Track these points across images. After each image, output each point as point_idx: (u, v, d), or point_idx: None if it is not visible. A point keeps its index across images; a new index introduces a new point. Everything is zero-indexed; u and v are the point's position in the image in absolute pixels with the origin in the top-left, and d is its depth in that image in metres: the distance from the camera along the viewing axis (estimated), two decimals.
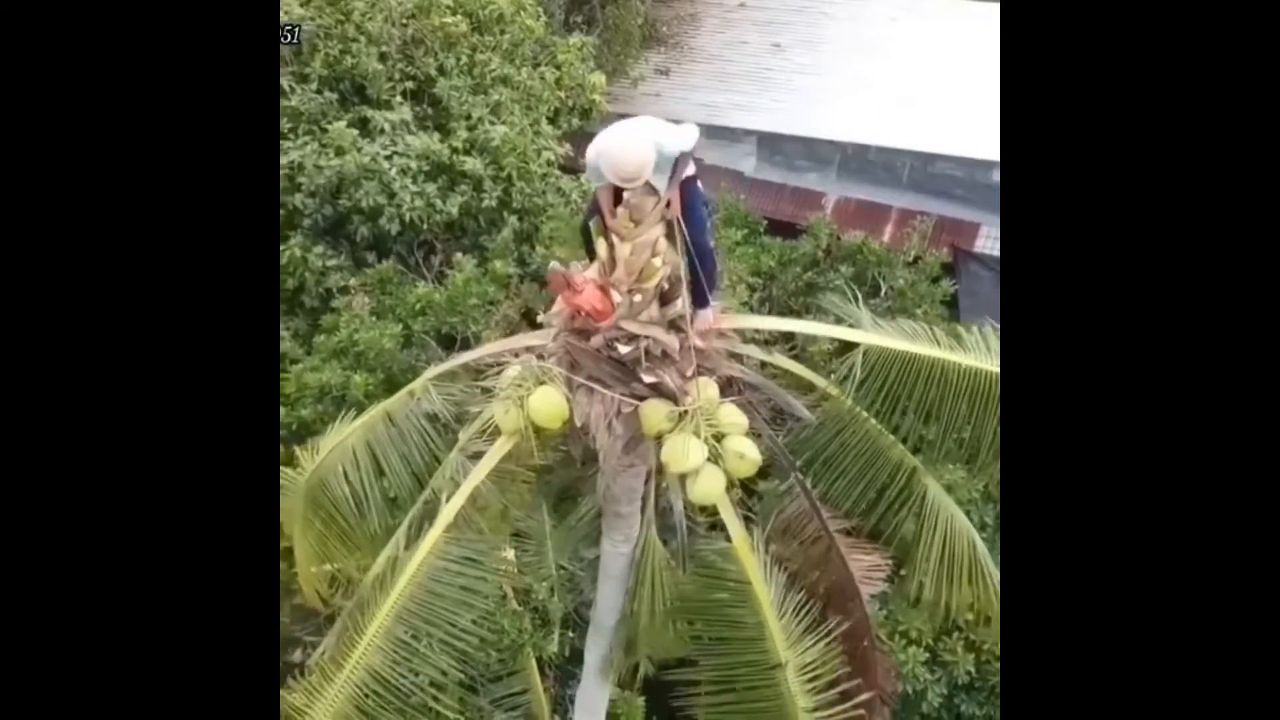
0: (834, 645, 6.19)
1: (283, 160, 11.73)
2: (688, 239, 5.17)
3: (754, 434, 5.70)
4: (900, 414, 5.85)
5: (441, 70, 12.85)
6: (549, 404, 5.41)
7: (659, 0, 16.83)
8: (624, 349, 5.29)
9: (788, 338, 11.40)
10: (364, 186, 11.67)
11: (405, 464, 6.24)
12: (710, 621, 6.32)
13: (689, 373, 5.45)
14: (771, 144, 15.51)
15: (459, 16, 12.94)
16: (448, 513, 5.63)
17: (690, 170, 5.27)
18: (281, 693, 5.32)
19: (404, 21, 12.75)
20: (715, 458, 5.37)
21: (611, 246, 5.19)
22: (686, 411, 5.35)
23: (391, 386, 9.64)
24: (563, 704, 9.72)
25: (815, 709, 5.99)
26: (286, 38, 11.82)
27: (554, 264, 5.19)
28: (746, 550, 5.95)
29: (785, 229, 13.70)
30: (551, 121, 13.33)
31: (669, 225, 5.16)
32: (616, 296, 5.21)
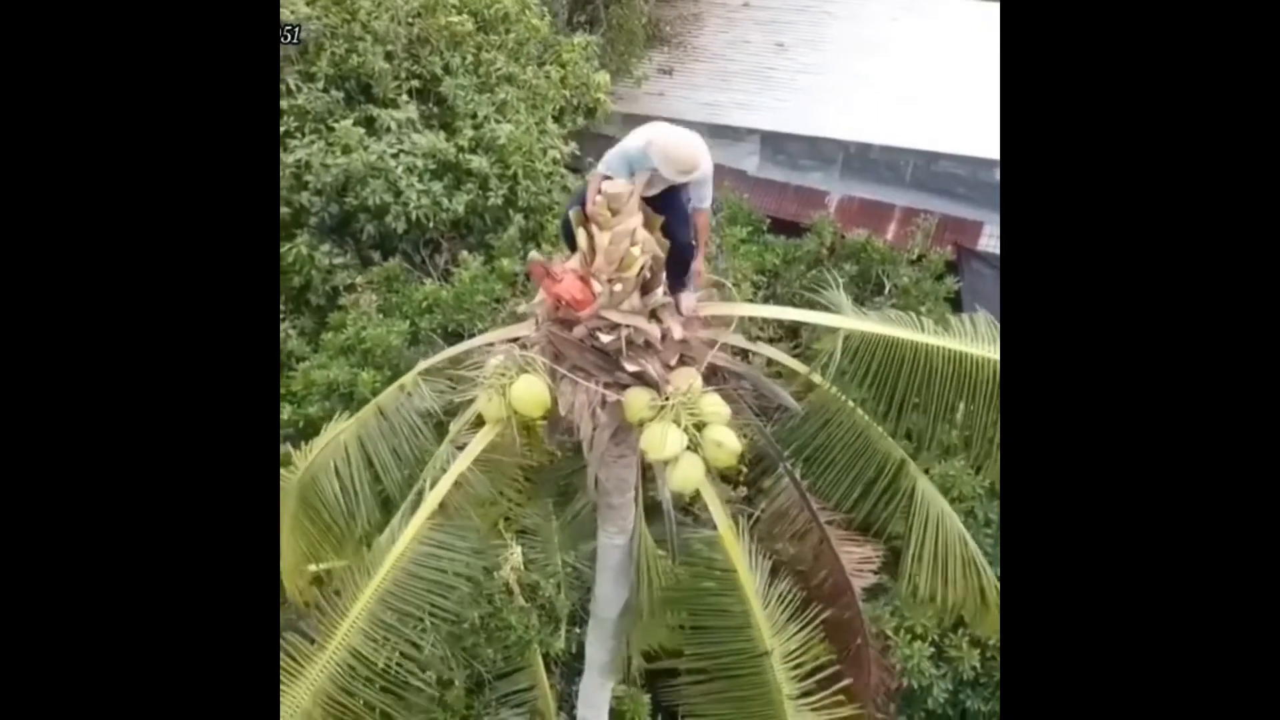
0: (824, 637, 6.21)
1: (289, 159, 11.81)
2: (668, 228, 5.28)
3: (740, 423, 5.74)
4: (887, 402, 5.86)
5: (447, 69, 12.91)
6: (531, 392, 5.45)
7: (662, 0, 16.87)
8: (606, 338, 5.33)
9: (793, 336, 11.45)
10: (370, 185, 11.73)
11: (396, 458, 6.31)
12: (698, 610, 6.35)
13: (672, 362, 5.49)
14: (775, 143, 15.50)
15: (464, 15, 13.00)
16: (432, 499, 5.69)
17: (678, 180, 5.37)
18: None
19: (410, 20, 12.80)
20: (694, 446, 5.40)
21: (591, 236, 5.24)
22: (668, 400, 5.40)
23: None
24: (569, 700, 9.72)
25: (800, 696, 6.02)
26: (287, 37, 11.89)
27: (534, 254, 5.26)
28: (732, 538, 5.98)
29: (789, 228, 13.70)
30: (557, 120, 13.37)
31: (647, 215, 5.22)
32: (597, 286, 5.25)
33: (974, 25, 14.66)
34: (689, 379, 5.46)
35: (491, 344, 5.89)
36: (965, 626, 10.16)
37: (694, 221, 5.57)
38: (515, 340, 5.71)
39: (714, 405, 5.48)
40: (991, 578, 6.54)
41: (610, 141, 5.65)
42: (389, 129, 12.15)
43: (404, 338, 10.81)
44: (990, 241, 14.12)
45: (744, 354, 6.08)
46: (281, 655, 5.61)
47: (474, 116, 12.63)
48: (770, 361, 6.25)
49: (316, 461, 6.55)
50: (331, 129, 12.10)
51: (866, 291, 12.37)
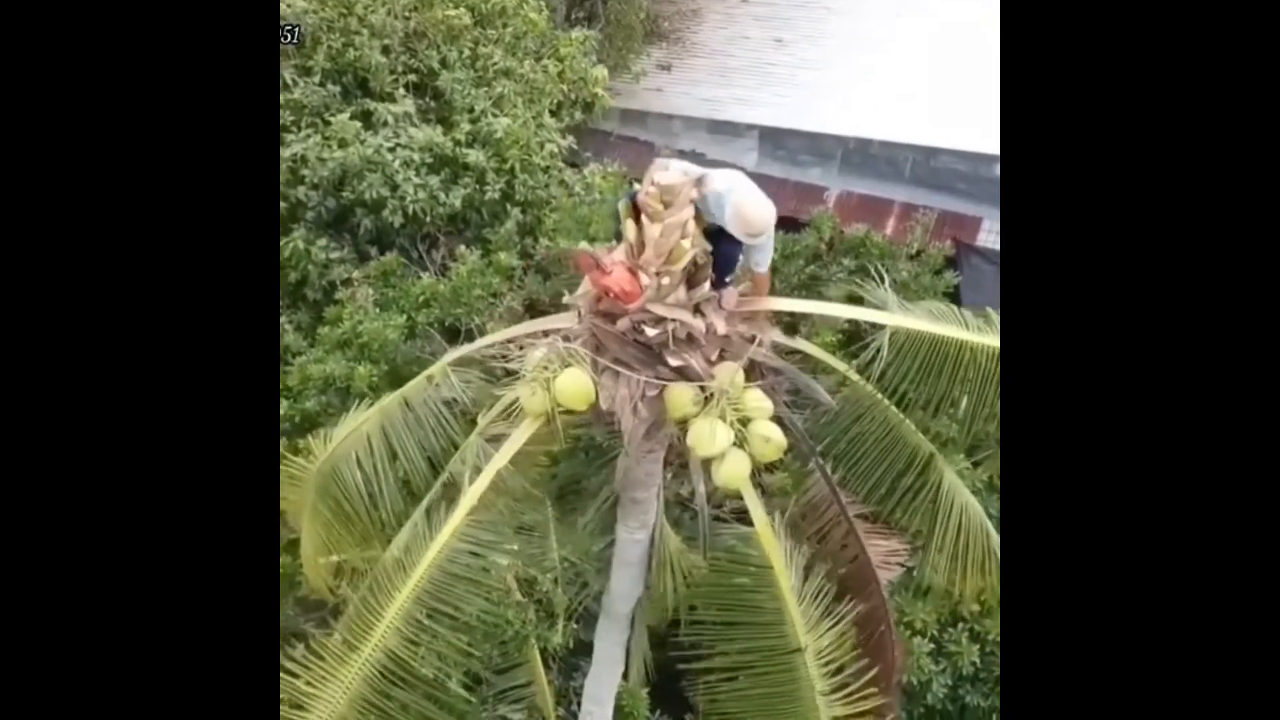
0: (851, 629, 6.20)
1: (286, 153, 11.70)
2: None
3: (776, 418, 5.70)
4: (927, 398, 5.83)
5: (444, 63, 12.82)
6: (576, 385, 5.40)
7: None
8: (651, 332, 5.29)
9: (790, 332, 11.44)
10: (367, 179, 11.62)
11: (421, 450, 6.24)
12: (729, 606, 6.32)
13: (714, 356, 5.44)
14: (774, 139, 15.44)
15: (461, 9, 12.90)
16: (471, 495, 5.61)
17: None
18: (283, 679, 5.29)
19: (406, 14, 12.72)
20: (740, 442, 5.35)
21: (641, 228, 5.17)
22: (712, 395, 5.34)
23: (395, 378, 9.64)
24: (567, 696, 9.68)
25: (831, 692, 6.01)
26: (287, 37, 11.80)
27: (584, 245, 5.19)
28: (770, 535, 5.96)
29: (788, 223, 13.63)
30: (554, 114, 13.30)
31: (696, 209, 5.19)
32: (644, 279, 5.20)
33: (973, 20, 14.64)
34: (732, 374, 5.41)
35: (530, 335, 5.81)
36: (965, 621, 10.21)
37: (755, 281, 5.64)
38: (557, 332, 5.63)
39: (757, 400, 5.45)
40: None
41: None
42: (386, 123, 12.04)
43: (401, 332, 10.73)
44: (989, 237, 14.14)
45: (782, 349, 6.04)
46: (303, 655, 5.55)
47: (471, 110, 12.53)
48: (805, 357, 6.21)
49: (338, 451, 6.47)
50: (328, 123, 11.99)
51: (864, 287, 12.33)
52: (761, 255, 5.57)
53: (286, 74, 12.08)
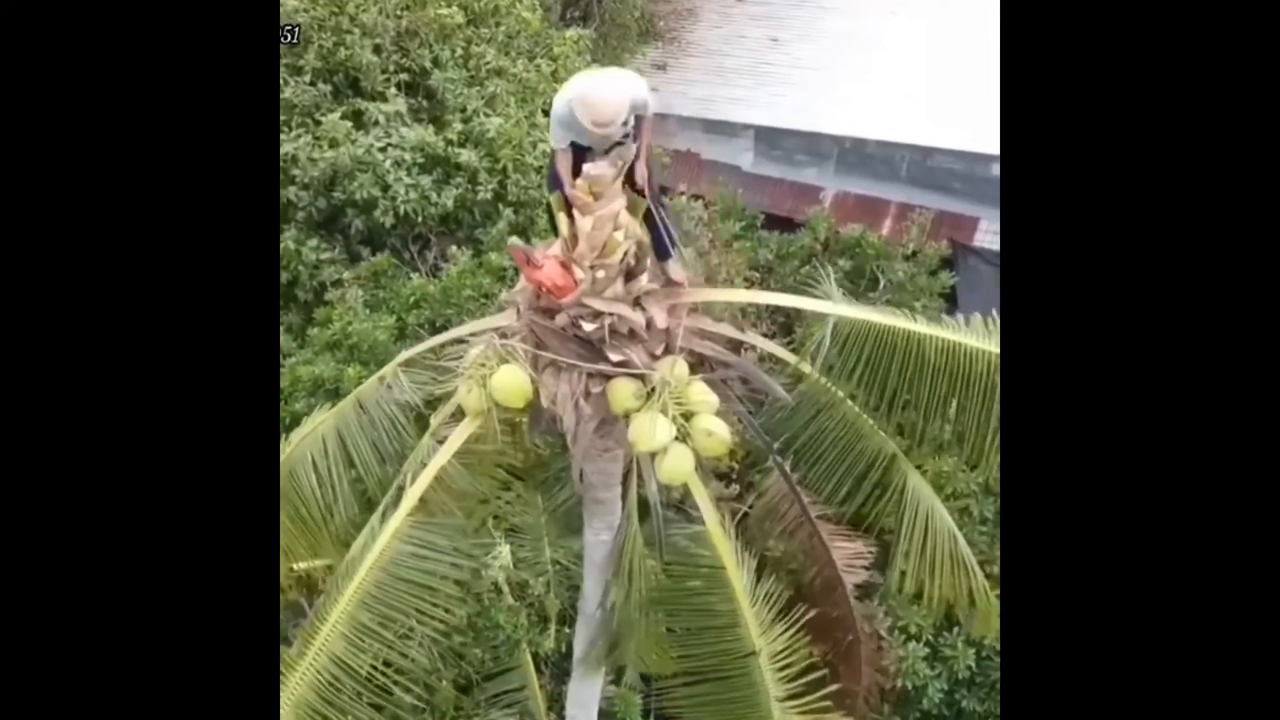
0: (814, 636, 6.10)
1: None
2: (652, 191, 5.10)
3: (728, 414, 5.60)
4: (879, 394, 5.73)
5: (436, 62, 12.77)
6: (511, 382, 5.30)
7: None
8: (588, 326, 5.18)
9: (785, 332, 11.37)
10: (358, 179, 11.57)
11: (375, 451, 6.16)
12: (683, 611, 6.24)
13: (657, 351, 5.35)
14: (769, 138, 15.42)
15: (454, 8, 12.86)
16: (412, 495, 5.54)
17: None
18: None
19: (398, 13, 12.67)
20: (683, 436, 5.25)
21: (572, 221, 5.09)
22: (654, 389, 5.25)
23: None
24: (559, 701, 9.59)
25: (788, 698, 5.90)
26: (287, 37, 11.77)
27: (513, 239, 5.12)
28: (720, 534, 5.85)
29: (783, 223, 13.64)
30: (547, 114, 13.21)
31: (630, 196, 5.08)
32: (579, 272, 5.11)
33: (971, 19, 14.55)
34: (675, 367, 5.31)
35: (472, 334, 5.74)
36: (960, 625, 10.10)
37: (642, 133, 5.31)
38: (496, 329, 5.56)
39: (701, 394, 5.33)
40: (981, 578, 6.44)
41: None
42: (377, 122, 12.01)
43: (391, 333, 10.70)
44: (986, 237, 14.07)
45: (736, 346, 5.94)
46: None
47: (463, 110, 12.48)
48: (761, 355, 6.11)
49: (294, 455, 6.38)
50: (319, 122, 11.97)
51: (861, 287, 12.29)
52: (625, 151, 5.17)
53: None
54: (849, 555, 6.46)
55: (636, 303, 5.28)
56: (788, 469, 6.18)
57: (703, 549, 5.92)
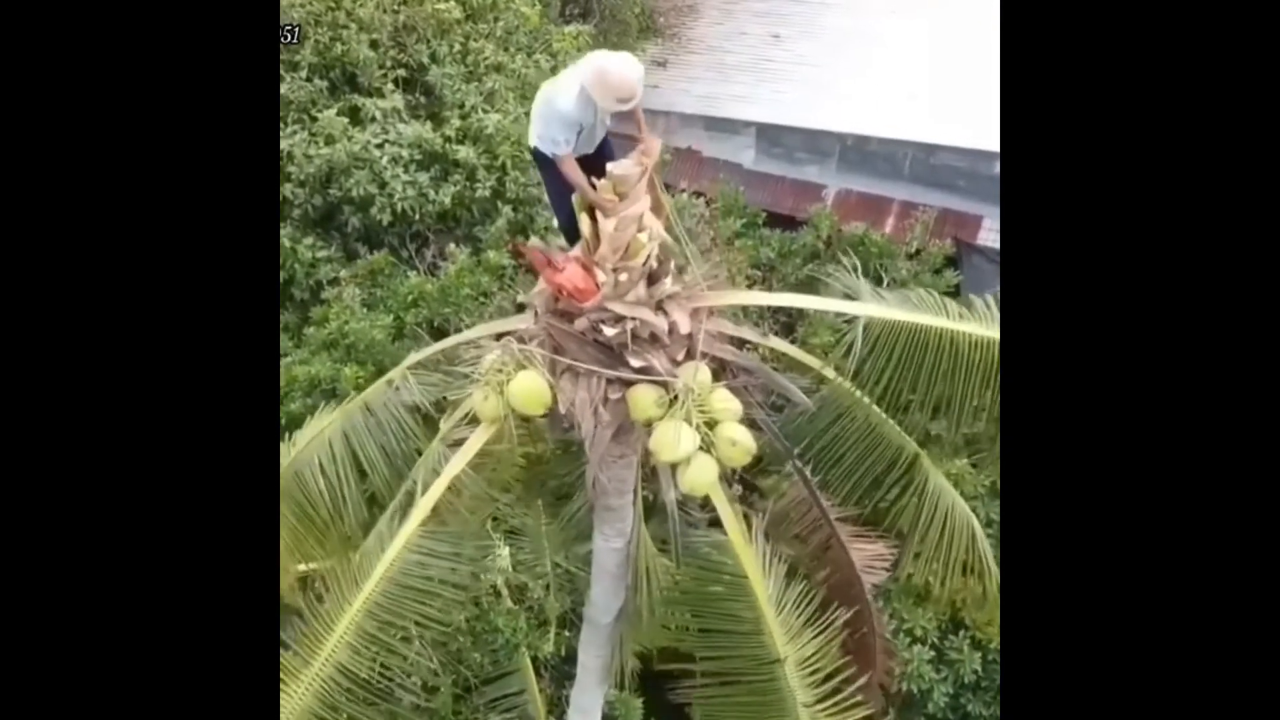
0: (834, 636, 6.01)
1: None
2: None
3: (749, 420, 5.48)
4: (911, 389, 5.62)
5: (434, 58, 12.72)
6: (530, 389, 5.17)
7: None
8: (609, 331, 5.05)
9: (787, 332, 11.29)
10: (355, 176, 11.51)
11: (384, 455, 6.04)
12: (707, 615, 6.15)
13: (679, 356, 5.22)
14: (771, 136, 15.35)
15: (451, 3, 12.82)
16: (424, 504, 5.41)
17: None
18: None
19: (395, 8, 12.61)
20: (707, 445, 5.12)
21: (595, 222, 4.96)
22: (677, 397, 5.11)
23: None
24: (559, 704, 9.59)
25: (815, 703, 5.81)
26: (287, 37, 11.74)
27: (534, 240, 4.98)
28: (742, 543, 5.75)
29: (785, 221, 13.59)
30: None
31: (656, 200, 4.96)
32: (600, 275, 4.98)
33: (973, 16, 14.49)
34: (698, 374, 5.17)
35: (486, 336, 5.60)
36: (966, 629, 10.05)
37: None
38: (512, 334, 5.42)
39: (725, 401, 5.20)
40: (994, 580, 6.41)
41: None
42: (374, 119, 11.96)
43: (388, 332, 10.66)
44: (990, 235, 14.03)
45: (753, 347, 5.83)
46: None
47: (461, 106, 12.42)
48: (779, 356, 5.99)
49: (300, 457, 6.27)
50: (315, 119, 11.91)
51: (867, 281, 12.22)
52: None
53: None
54: (869, 557, 6.39)
55: (659, 306, 5.15)
56: (808, 474, 6.08)
57: (725, 557, 5.83)
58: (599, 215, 4.97)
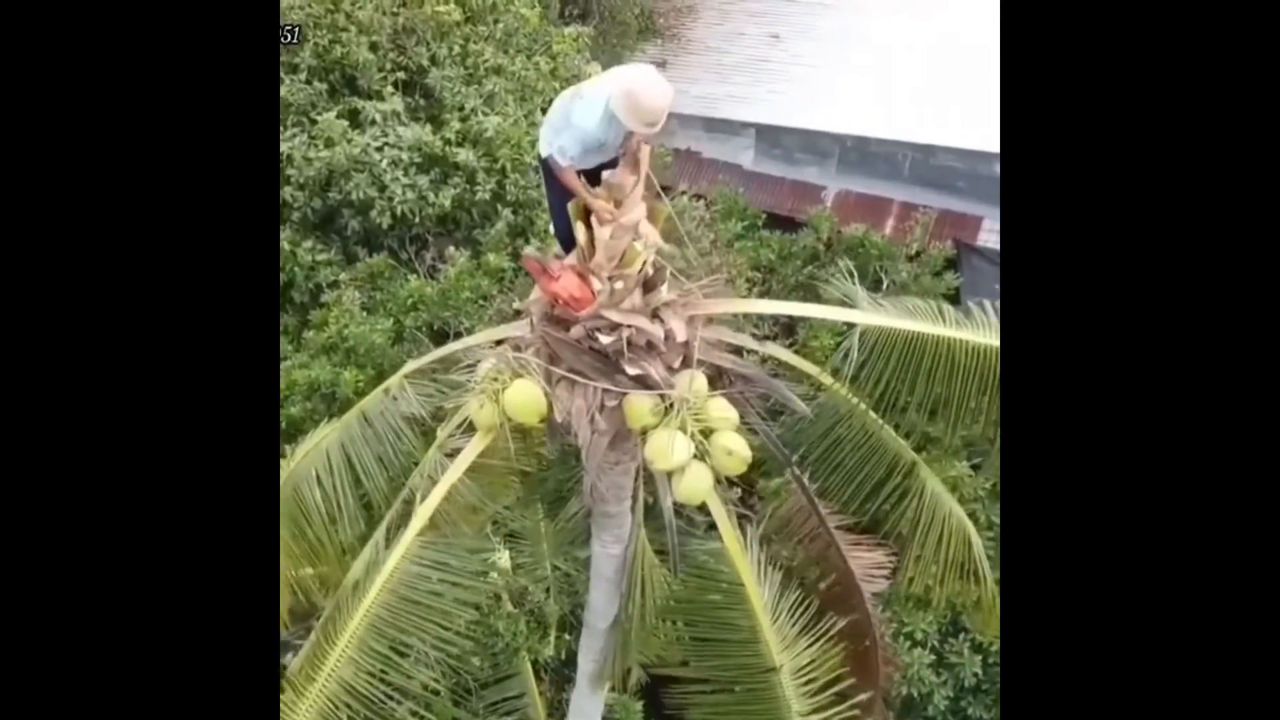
0: (832, 646, 6.01)
1: None
2: None
3: (746, 428, 5.46)
4: (909, 394, 5.61)
5: (434, 60, 12.66)
6: (526, 398, 5.14)
7: None
8: (605, 339, 5.03)
9: (787, 334, 11.26)
10: (354, 179, 11.46)
11: (381, 465, 6.02)
12: (703, 623, 6.14)
13: (675, 364, 5.20)
14: (770, 137, 15.36)
15: (451, 5, 12.75)
16: (422, 514, 5.39)
17: None
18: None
19: (395, 10, 12.56)
20: (702, 454, 5.10)
21: (590, 230, 4.94)
22: (672, 405, 5.09)
23: (382, 383, 9.51)
24: (559, 708, 9.59)
25: (812, 712, 5.81)
26: (287, 38, 11.70)
27: (529, 248, 4.96)
28: (738, 551, 5.75)
29: (785, 223, 13.57)
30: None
31: (651, 207, 4.93)
32: (596, 284, 4.97)
33: (973, 16, 14.48)
34: (694, 382, 5.16)
35: (482, 344, 5.58)
36: (967, 632, 10.04)
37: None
38: (508, 341, 5.40)
39: (721, 410, 5.17)
40: (991, 584, 6.41)
41: None
42: (373, 121, 11.90)
43: (388, 336, 10.62)
44: (990, 237, 14.04)
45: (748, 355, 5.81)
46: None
47: (461, 109, 12.36)
48: (779, 362, 5.98)
49: (298, 470, 6.24)
50: (314, 121, 11.85)
51: (864, 287, 12.18)
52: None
53: None
54: (868, 564, 6.36)
55: (655, 314, 5.13)
56: (805, 480, 6.05)
57: (721, 565, 5.82)
58: (594, 223, 4.95)
